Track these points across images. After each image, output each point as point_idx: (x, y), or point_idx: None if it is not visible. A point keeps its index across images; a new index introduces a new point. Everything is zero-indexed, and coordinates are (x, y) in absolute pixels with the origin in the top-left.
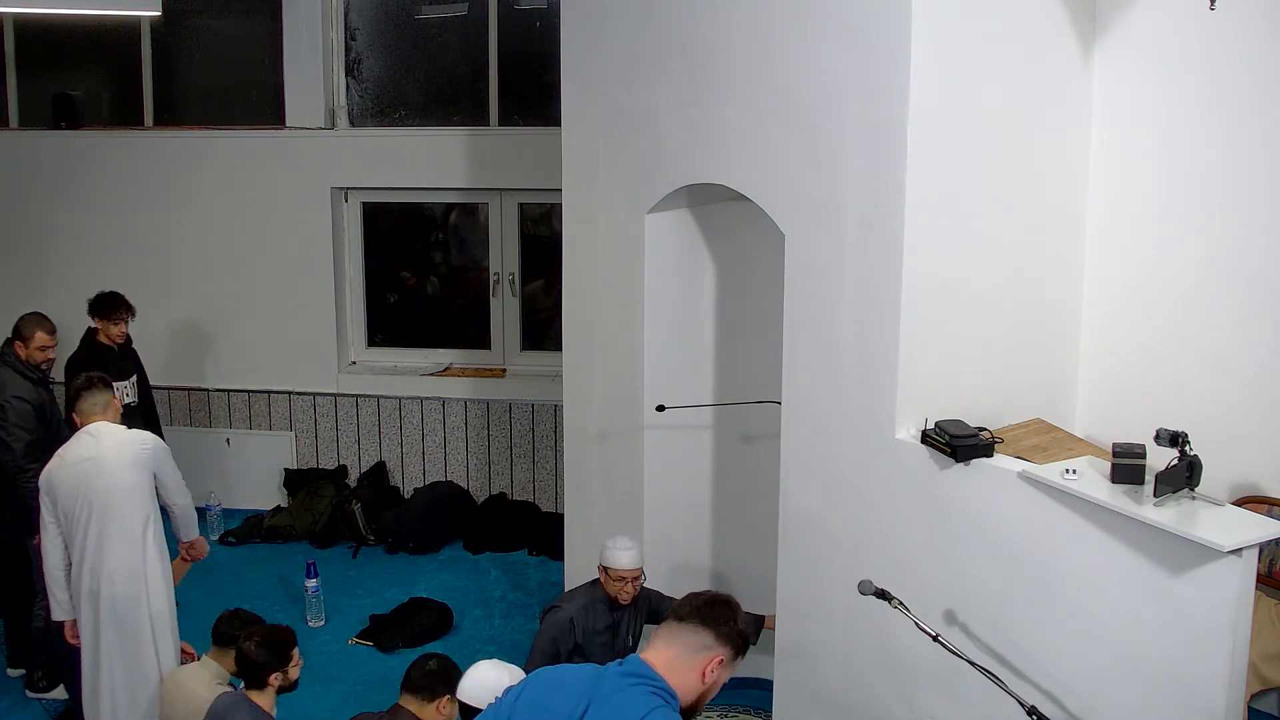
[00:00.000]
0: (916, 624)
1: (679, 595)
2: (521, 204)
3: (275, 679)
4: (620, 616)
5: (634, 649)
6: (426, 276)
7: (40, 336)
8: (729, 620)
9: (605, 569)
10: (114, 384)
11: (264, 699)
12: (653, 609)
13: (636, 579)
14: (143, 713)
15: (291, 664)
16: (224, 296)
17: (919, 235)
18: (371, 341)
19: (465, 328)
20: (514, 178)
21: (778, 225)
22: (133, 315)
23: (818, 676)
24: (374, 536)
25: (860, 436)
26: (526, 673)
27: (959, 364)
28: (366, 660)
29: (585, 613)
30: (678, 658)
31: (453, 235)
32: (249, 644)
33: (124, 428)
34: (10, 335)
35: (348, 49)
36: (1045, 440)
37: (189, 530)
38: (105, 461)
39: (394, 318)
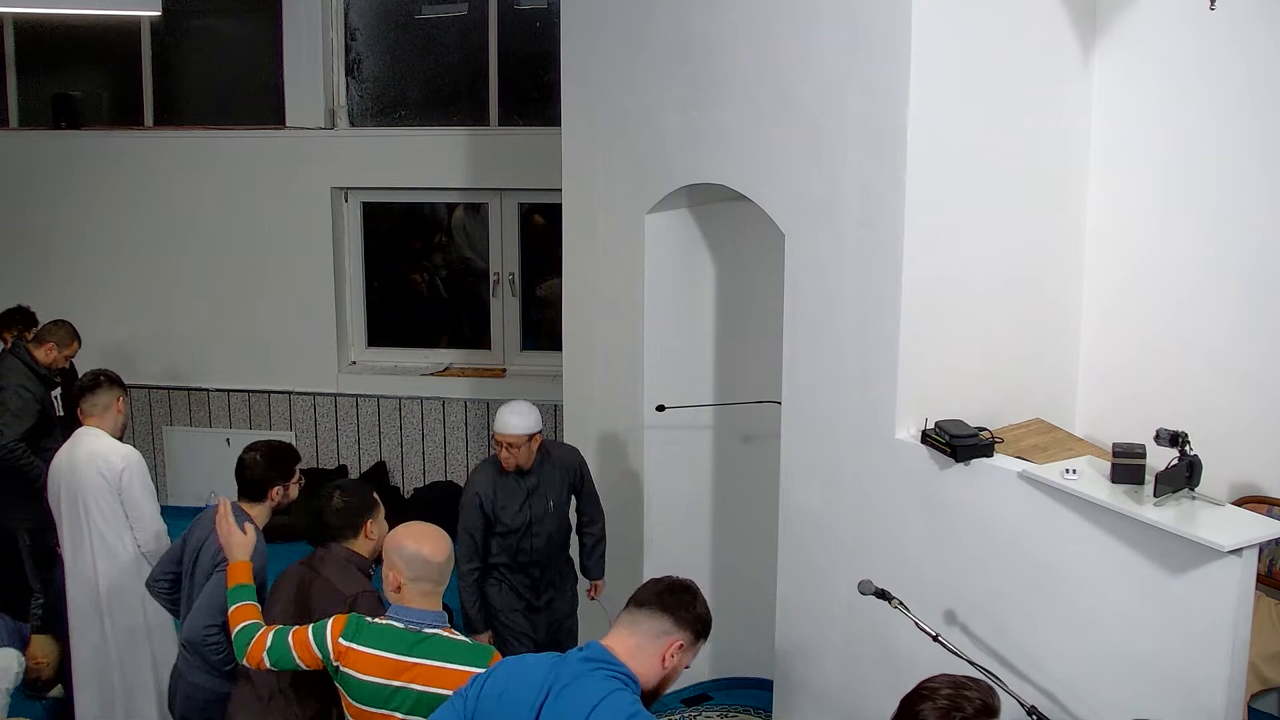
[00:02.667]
0: (916, 624)
1: None
2: (521, 204)
3: (276, 493)
4: (533, 484)
5: (553, 512)
6: (426, 276)
7: (75, 346)
8: (688, 605)
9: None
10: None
11: (258, 512)
12: (575, 484)
13: (512, 445)
14: (131, 712)
15: (293, 480)
16: (224, 296)
17: (919, 235)
18: (371, 342)
19: (465, 328)
20: (514, 178)
21: (778, 225)
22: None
23: (818, 676)
24: None
25: (860, 436)
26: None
27: (959, 364)
28: None
29: (493, 489)
30: (639, 643)
31: (458, 232)
32: (253, 455)
33: (108, 438)
34: (25, 331)
35: (348, 49)
36: (1045, 440)
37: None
38: (79, 471)
39: (394, 318)
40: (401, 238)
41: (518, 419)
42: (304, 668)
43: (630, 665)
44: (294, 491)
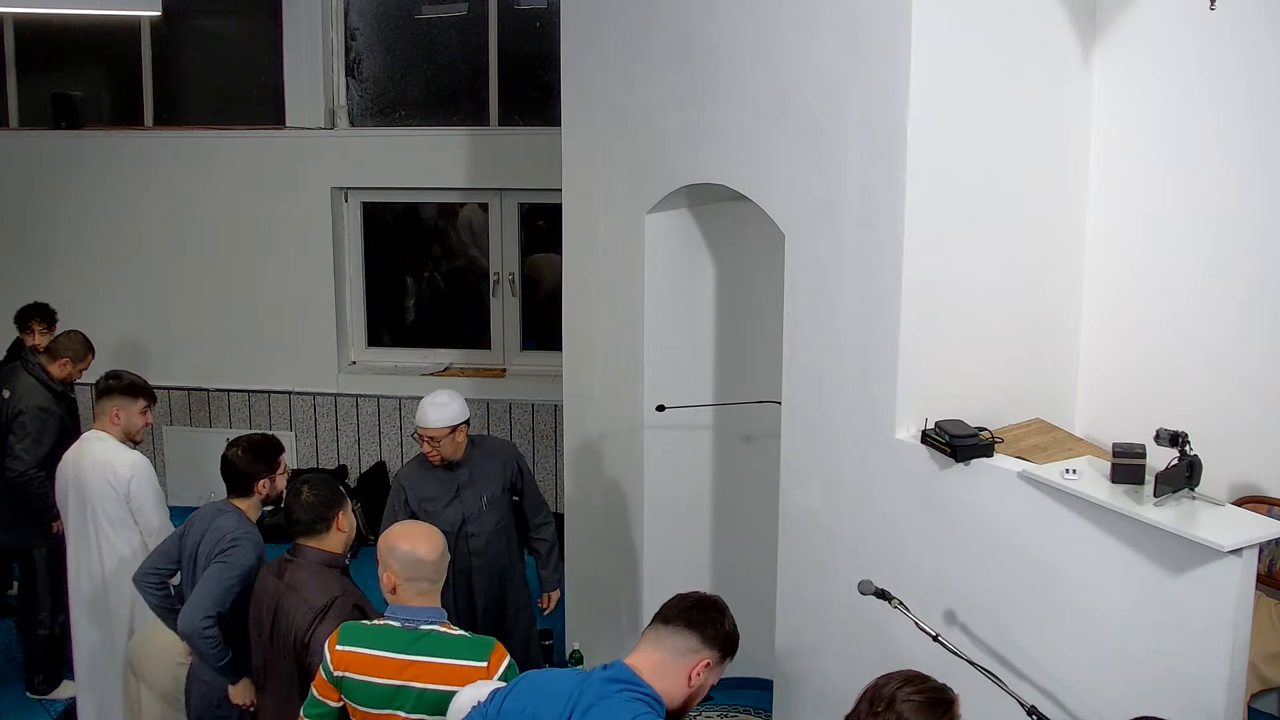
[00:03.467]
0: (916, 624)
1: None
2: (521, 204)
3: (262, 486)
4: (464, 477)
5: (488, 510)
6: (427, 275)
7: (89, 359)
8: (716, 622)
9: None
10: None
11: (247, 506)
12: (513, 481)
13: (433, 439)
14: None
15: (278, 472)
16: (224, 296)
17: (919, 235)
18: (371, 342)
19: (466, 327)
20: (514, 178)
21: (778, 225)
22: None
23: (818, 676)
24: (374, 536)
25: (860, 436)
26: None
27: (959, 364)
28: None
29: (418, 479)
30: (663, 661)
31: (465, 229)
32: (234, 450)
33: (114, 444)
34: (49, 328)
35: (348, 49)
36: (1045, 440)
37: None
38: (85, 477)
39: (395, 318)
40: (402, 237)
41: (435, 411)
42: (330, 704)
43: (655, 684)
44: (280, 483)
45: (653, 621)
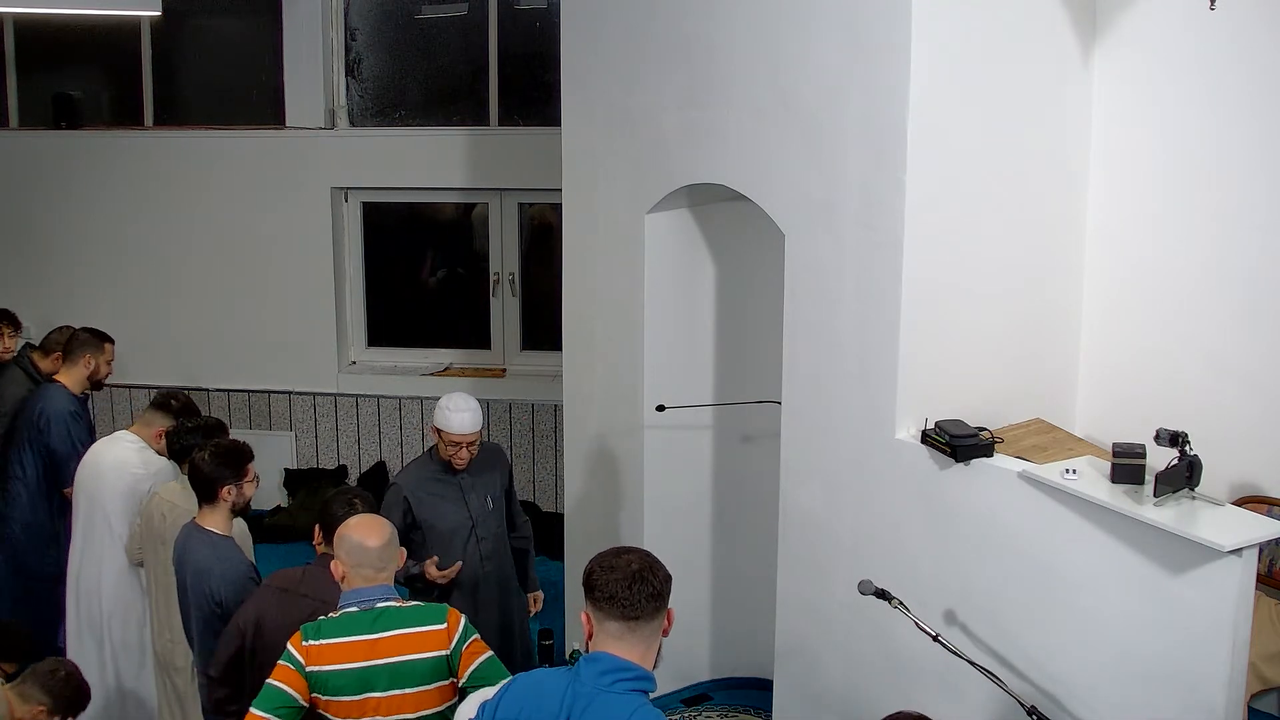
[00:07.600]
0: (916, 624)
1: (680, 593)
2: (522, 204)
3: (228, 493)
4: (465, 483)
5: (493, 511)
6: (429, 275)
7: (109, 349)
8: (660, 582)
9: (437, 430)
10: None
11: (216, 516)
12: (506, 485)
13: (471, 444)
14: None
15: (246, 479)
16: (224, 296)
17: (919, 235)
18: (371, 342)
19: (465, 328)
20: (514, 178)
21: (778, 225)
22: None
23: (818, 676)
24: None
25: (860, 436)
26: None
27: (959, 364)
28: None
29: (420, 484)
30: (646, 641)
31: (479, 225)
32: (201, 455)
33: (139, 446)
34: (36, 345)
35: (348, 49)
36: (1045, 440)
37: None
38: (101, 475)
39: (396, 317)
40: (403, 237)
41: (472, 416)
42: (298, 699)
43: (640, 662)
44: (249, 491)
45: (621, 621)
